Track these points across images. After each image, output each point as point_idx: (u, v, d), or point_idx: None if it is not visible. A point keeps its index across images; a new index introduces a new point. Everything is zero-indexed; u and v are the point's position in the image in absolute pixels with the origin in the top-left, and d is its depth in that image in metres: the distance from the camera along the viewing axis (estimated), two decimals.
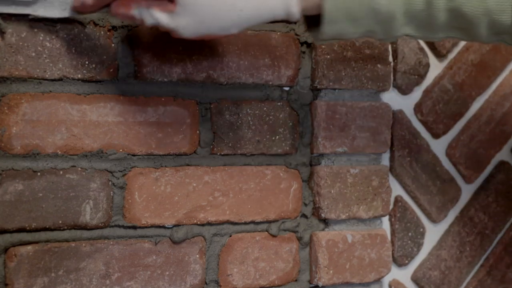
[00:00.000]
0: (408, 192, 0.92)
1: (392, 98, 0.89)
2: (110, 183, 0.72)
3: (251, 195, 0.79)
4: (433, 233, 0.94)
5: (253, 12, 0.60)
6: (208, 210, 0.77)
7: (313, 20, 0.65)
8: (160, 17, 0.60)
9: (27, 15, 0.66)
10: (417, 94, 0.92)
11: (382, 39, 0.65)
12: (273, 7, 0.60)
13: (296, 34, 0.81)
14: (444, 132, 0.94)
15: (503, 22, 0.60)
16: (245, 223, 0.80)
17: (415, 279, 0.93)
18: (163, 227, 0.75)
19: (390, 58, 0.87)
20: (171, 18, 0.60)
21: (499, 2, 0.59)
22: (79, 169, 0.70)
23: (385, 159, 0.89)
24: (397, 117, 0.90)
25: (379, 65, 0.85)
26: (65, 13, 0.66)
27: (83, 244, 0.71)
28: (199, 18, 0.59)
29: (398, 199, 0.91)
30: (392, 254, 0.90)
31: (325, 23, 0.61)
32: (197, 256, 0.77)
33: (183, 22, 0.59)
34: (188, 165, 0.76)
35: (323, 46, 0.81)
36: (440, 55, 0.93)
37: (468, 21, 0.60)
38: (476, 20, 0.60)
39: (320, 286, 0.83)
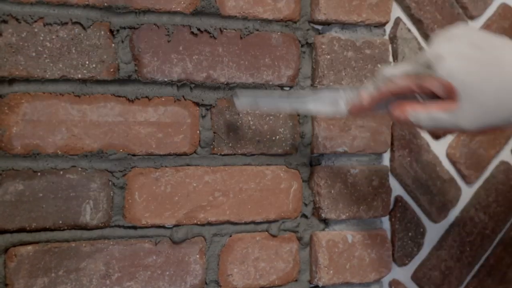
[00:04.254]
0: (408, 192, 0.91)
1: None
2: (110, 183, 0.72)
3: (251, 195, 0.79)
4: (433, 233, 0.94)
5: None
6: (208, 210, 0.77)
7: None
8: (441, 117, 0.58)
9: None
10: None
11: None
12: None
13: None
14: (444, 132, 0.94)
15: None
16: (245, 223, 0.80)
17: (415, 279, 0.93)
18: (163, 227, 0.75)
19: (390, 58, 0.87)
20: (453, 116, 0.57)
21: None
22: (79, 169, 0.70)
23: (385, 159, 0.89)
24: None
25: (379, 65, 0.85)
26: (340, 112, 0.67)
27: (83, 244, 0.71)
28: (483, 110, 0.55)
29: (398, 199, 0.91)
30: (392, 254, 0.90)
31: None
32: (197, 256, 0.77)
33: (465, 117, 0.56)
34: (188, 165, 0.76)
35: (323, 46, 0.81)
36: None
37: None
38: None
39: (320, 286, 0.83)
